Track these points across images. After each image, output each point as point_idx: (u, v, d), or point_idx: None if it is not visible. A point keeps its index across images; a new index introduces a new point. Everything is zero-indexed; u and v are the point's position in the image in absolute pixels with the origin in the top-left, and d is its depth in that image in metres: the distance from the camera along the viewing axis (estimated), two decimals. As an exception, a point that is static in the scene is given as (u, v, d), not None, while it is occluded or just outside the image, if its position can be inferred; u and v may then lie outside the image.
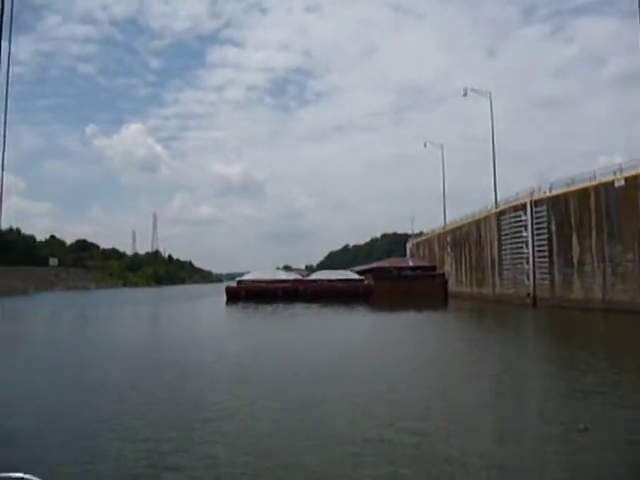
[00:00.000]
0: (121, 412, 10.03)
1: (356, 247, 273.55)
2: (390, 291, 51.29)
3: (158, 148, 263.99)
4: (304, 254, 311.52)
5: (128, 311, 43.74)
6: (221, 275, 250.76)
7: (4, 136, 2.53)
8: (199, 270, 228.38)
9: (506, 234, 41.40)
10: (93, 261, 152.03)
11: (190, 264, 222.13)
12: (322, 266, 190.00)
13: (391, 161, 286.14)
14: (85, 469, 6.99)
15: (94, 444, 8.06)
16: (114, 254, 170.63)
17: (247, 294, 54.58)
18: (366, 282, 56.99)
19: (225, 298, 55.24)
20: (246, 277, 61.07)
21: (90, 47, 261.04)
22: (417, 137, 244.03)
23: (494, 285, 44.33)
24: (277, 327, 29.08)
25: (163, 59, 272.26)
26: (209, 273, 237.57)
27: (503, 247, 42.10)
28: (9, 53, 2.47)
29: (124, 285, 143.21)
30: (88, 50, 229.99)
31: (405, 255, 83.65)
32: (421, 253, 69.87)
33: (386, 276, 56.51)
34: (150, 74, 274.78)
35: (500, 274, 42.70)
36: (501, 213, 43.06)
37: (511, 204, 41.31)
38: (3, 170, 2.57)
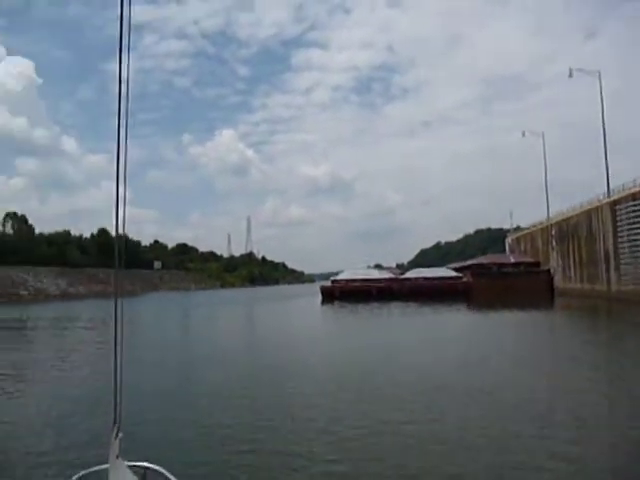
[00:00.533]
0: (232, 412, 10.04)
1: (448, 244, 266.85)
2: (490, 289, 48.91)
3: (249, 153, 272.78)
4: (394, 252, 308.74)
5: (229, 311, 44.93)
6: (313, 275, 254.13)
7: (118, 152, 2.63)
8: (292, 271, 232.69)
9: (623, 225, 37.80)
10: (193, 263, 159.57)
11: (283, 265, 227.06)
12: (413, 264, 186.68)
13: (481, 154, 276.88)
14: (205, 463, 7.18)
15: (211, 443, 8.18)
16: (211, 256, 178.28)
17: (342, 293, 54.32)
18: (464, 280, 54.77)
19: (320, 298, 55.38)
20: (340, 276, 60.87)
21: (184, 61, 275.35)
22: (508, 128, 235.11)
23: (609, 281, 40.61)
24: (378, 327, 28.11)
25: (250, 66, 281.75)
26: (301, 273, 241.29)
27: (619, 239, 38.48)
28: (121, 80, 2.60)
29: (221, 286, 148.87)
30: (182, 64, 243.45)
31: (503, 251, 79.58)
32: (522, 248, 65.97)
33: (486, 273, 53.94)
34: (239, 82, 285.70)
35: (617, 269, 39.05)
36: (615, 202, 39.38)
37: (629, 192, 37.60)
38: (118, 186, 2.66)
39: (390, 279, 57.83)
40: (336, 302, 50.23)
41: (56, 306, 58.28)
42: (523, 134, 60.25)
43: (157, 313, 40.08)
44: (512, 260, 57.28)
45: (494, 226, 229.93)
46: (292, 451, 7.62)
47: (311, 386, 12.27)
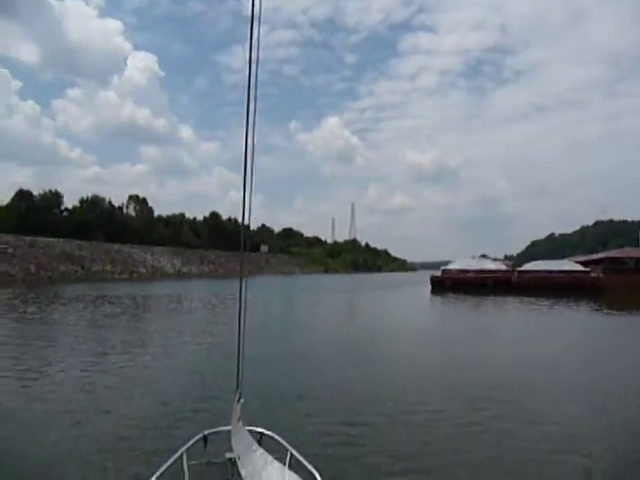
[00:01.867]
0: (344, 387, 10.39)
1: (563, 236, 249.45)
2: (626, 286, 43.79)
3: (354, 140, 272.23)
4: (500, 243, 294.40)
5: (338, 298, 43.61)
6: (415, 264, 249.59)
7: (245, 147, 2.80)
8: (394, 259, 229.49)
9: None
10: (297, 248, 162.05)
11: (386, 252, 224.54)
12: (524, 256, 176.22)
13: (602, 140, 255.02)
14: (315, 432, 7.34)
15: (321, 413, 8.46)
16: (316, 241, 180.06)
17: (454, 284, 51.52)
18: (593, 275, 49.72)
19: (428, 287, 52.93)
20: (452, 266, 57.88)
21: (293, 49, 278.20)
22: (634, 110, 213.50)
23: None
24: (505, 326, 25.50)
25: (357, 53, 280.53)
26: (404, 262, 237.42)
27: None
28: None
29: (325, 271, 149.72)
30: (291, 53, 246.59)
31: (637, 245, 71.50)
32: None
33: (620, 268, 48.48)
34: (346, 69, 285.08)
35: None
36: None
37: None
38: (245, 178, 2.80)
39: (507, 271, 53.97)
40: (448, 293, 47.67)
41: (174, 284, 60.99)
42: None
43: (268, 296, 39.92)
44: (655, 254, 50.75)
45: (616, 218, 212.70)
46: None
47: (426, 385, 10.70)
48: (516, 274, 51.88)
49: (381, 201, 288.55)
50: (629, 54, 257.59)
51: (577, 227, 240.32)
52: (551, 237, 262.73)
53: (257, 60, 2.80)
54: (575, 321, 26.48)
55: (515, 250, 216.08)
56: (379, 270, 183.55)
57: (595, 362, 14.03)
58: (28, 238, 74.41)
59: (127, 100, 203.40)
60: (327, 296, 45.08)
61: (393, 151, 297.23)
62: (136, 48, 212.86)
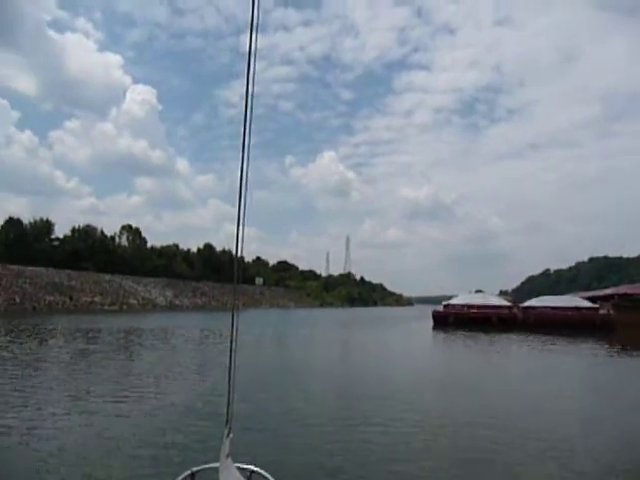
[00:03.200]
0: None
1: (558, 272, 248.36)
2: (638, 324, 41.83)
3: (349, 174, 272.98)
4: (495, 278, 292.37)
5: (343, 336, 40.90)
6: (411, 298, 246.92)
7: (240, 181, 2.78)
8: (390, 293, 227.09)
9: None
10: (292, 281, 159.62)
11: (381, 286, 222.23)
12: (519, 292, 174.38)
13: (595, 178, 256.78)
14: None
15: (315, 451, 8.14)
16: (311, 275, 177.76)
17: (457, 320, 49.39)
18: (602, 311, 47.75)
19: (427, 323, 50.69)
20: (454, 301, 55.82)
21: (289, 85, 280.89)
22: (628, 150, 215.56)
23: None
24: (527, 370, 23.32)
25: (353, 90, 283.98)
26: (400, 296, 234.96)
27: None
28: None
29: (320, 305, 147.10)
30: (287, 88, 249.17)
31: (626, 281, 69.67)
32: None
33: (633, 305, 46.48)
34: (341, 105, 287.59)
35: None
36: None
37: None
38: (240, 210, 2.82)
39: (511, 306, 51.91)
40: (449, 328, 45.46)
41: (164, 317, 58.50)
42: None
43: (260, 332, 37.60)
44: (666, 290, 48.85)
45: (611, 254, 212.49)
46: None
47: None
48: (521, 310, 49.74)
49: (376, 235, 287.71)
50: (622, 93, 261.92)
51: (572, 263, 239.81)
52: (546, 273, 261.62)
53: (252, 94, 2.79)
54: (596, 365, 24.31)
55: (510, 286, 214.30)
56: (375, 304, 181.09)
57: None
58: (15, 267, 71.98)
59: (125, 132, 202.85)
60: (325, 333, 42.59)
61: (388, 186, 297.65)
62: (135, 81, 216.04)
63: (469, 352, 29.37)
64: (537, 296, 65.37)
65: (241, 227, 2.84)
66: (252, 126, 2.81)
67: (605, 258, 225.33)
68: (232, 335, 2.92)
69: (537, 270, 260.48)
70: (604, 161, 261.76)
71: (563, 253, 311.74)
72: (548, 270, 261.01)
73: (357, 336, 40.15)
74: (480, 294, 58.43)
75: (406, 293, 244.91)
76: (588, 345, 32.10)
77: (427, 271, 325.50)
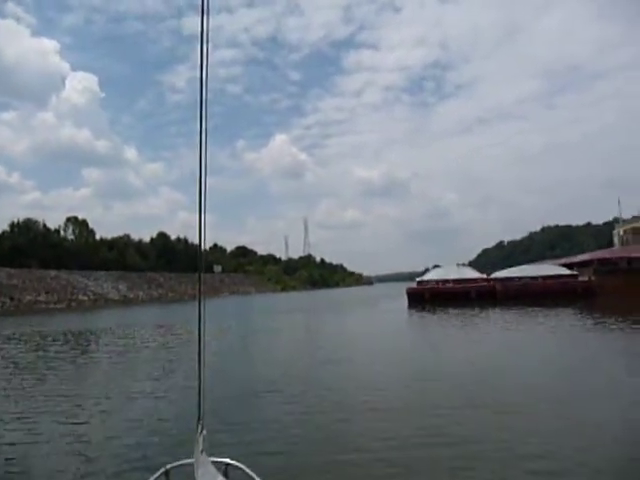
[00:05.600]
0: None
1: (512, 243, 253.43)
2: (621, 289, 40.03)
3: (303, 156, 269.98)
4: (452, 253, 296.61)
5: (313, 321, 37.38)
6: (371, 277, 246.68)
7: (200, 165, 2.63)
8: (351, 273, 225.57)
9: None
10: (252, 266, 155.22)
11: (342, 267, 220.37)
12: (475, 264, 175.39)
13: (542, 150, 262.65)
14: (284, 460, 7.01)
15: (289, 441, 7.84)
16: (271, 259, 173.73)
17: (433, 296, 46.50)
18: (583, 278, 45.94)
19: (400, 302, 47.52)
20: (428, 276, 53.01)
21: (236, 68, 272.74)
22: (573, 121, 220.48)
23: None
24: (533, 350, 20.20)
25: (301, 70, 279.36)
26: (360, 276, 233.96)
27: None
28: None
29: (282, 289, 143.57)
30: (234, 71, 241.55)
31: (583, 248, 68.50)
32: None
33: (613, 270, 44.78)
34: (290, 86, 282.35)
35: None
36: None
37: None
38: (200, 197, 2.64)
39: (491, 279, 49.40)
40: (427, 306, 42.45)
41: (118, 312, 53.51)
42: None
43: (224, 322, 33.68)
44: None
45: (562, 223, 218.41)
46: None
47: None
48: (500, 282, 47.33)
49: (333, 216, 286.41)
50: (563, 66, 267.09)
51: (525, 234, 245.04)
52: (500, 245, 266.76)
53: (206, 79, 2.67)
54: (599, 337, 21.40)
55: (467, 259, 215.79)
56: (337, 285, 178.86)
57: None
58: (-55, 268, 65.14)
59: (66, 122, 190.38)
60: (292, 319, 38.60)
61: (342, 166, 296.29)
62: (74, 68, 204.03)
63: (456, 333, 25.91)
64: (493, 268, 63.75)
65: (203, 214, 2.72)
66: (207, 111, 2.72)
67: (557, 227, 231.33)
68: (200, 330, 2.79)
69: (491, 243, 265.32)
70: (550, 133, 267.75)
71: (515, 225, 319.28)
72: (502, 242, 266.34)
73: (330, 322, 35.82)
74: (456, 267, 55.81)
75: (366, 272, 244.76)
76: (581, 314, 29.48)
77: (385, 249, 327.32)
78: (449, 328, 26.53)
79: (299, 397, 11.07)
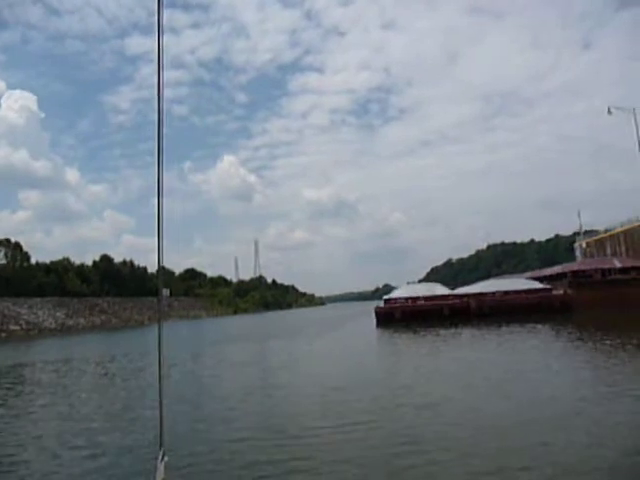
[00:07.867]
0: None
1: (460, 260, 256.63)
2: (597, 302, 38.28)
3: (251, 178, 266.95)
4: (402, 272, 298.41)
5: (276, 350, 31.86)
6: (322, 298, 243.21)
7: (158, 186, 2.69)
8: (303, 294, 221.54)
9: None
10: (202, 289, 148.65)
11: (293, 288, 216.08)
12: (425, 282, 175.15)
13: (482, 170, 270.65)
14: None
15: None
16: (221, 281, 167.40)
17: (404, 315, 43.41)
18: (557, 292, 44.00)
19: (370, 322, 44.13)
20: (396, 294, 49.85)
21: (182, 89, 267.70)
22: (510, 143, 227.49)
23: None
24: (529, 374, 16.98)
25: (248, 92, 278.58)
26: (312, 296, 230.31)
27: None
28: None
29: (234, 312, 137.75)
30: (180, 92, 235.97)
31: (555, 261, 68.31)
32: (608, 252, 54.98)
33: (588, 282, 43.08)
34: (237, 108, 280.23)
35: None
36: None
37: None
38: (159, 219, 2.65)
39: (464, 295, 46.65)
40: (398, 326, 39.14)
41: (53, 344, 47.41)
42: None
43: (170, 353, 29.12)
44: (618, 265, 45.56)
45: (507, 240, 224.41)
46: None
47: None
48: (476, 298, 44.66)
49: (283, 238, 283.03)
50: (498, 91, 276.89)
51: (472, 252, 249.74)
52: (449, 263, 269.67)
53: (162, 100, 2.63)
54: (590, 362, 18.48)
55: (416, 277, 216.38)
56: (290, 307, 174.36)
57: None
58: None
59: (1, 141, 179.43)
60: (250, 348, 33.13)
61: (291, 188, 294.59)
62: (10, 87, 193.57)
63: (440, 357, 22.43)
64: (446, 285, 61.35)
65: (161, 238, 2.68)
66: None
67: (502, 244, 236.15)
68: (159, 357, 2.75)
69: (440, 261, 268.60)
70: (490, 155, 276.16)
71: (461, 242, 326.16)
72: (450, 260, 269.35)
73: (296, 350, 30.53)
74: (423, 284, 53.02)
75: (317, 293, 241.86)
76: (566, 330, 26.84)
77: (335, 270, 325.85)
78: (424, 357, 22.34)
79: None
